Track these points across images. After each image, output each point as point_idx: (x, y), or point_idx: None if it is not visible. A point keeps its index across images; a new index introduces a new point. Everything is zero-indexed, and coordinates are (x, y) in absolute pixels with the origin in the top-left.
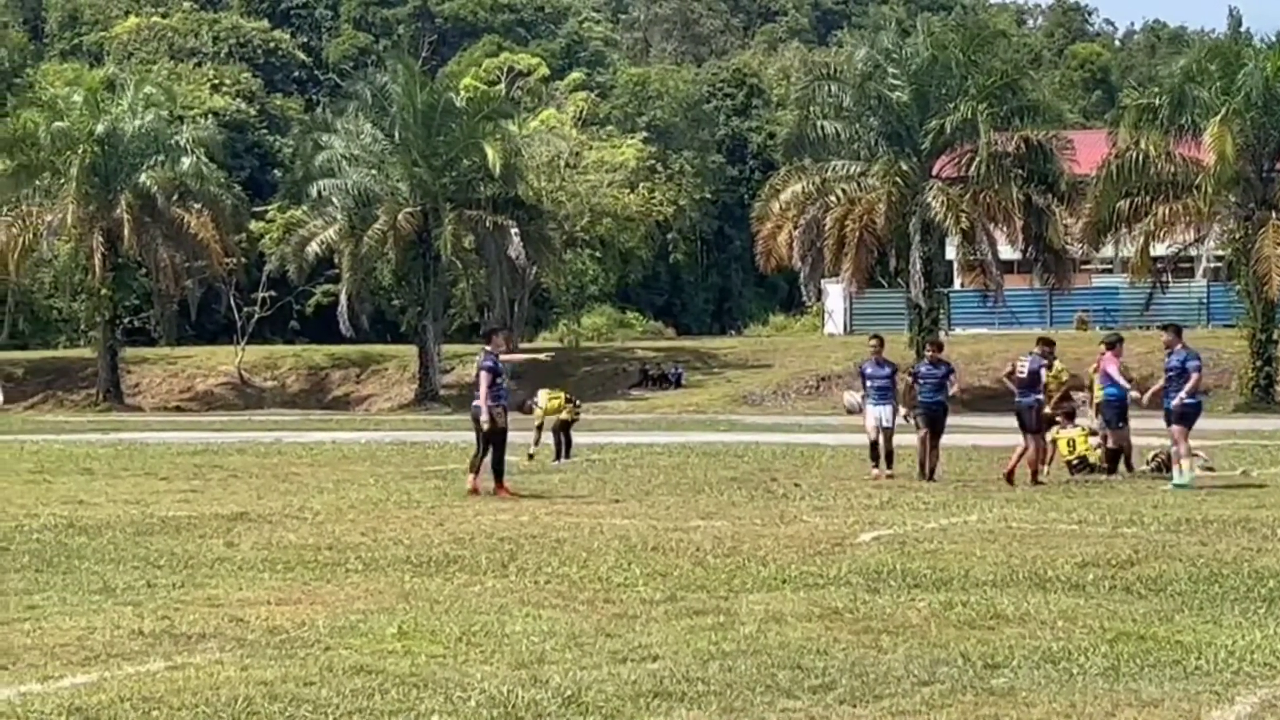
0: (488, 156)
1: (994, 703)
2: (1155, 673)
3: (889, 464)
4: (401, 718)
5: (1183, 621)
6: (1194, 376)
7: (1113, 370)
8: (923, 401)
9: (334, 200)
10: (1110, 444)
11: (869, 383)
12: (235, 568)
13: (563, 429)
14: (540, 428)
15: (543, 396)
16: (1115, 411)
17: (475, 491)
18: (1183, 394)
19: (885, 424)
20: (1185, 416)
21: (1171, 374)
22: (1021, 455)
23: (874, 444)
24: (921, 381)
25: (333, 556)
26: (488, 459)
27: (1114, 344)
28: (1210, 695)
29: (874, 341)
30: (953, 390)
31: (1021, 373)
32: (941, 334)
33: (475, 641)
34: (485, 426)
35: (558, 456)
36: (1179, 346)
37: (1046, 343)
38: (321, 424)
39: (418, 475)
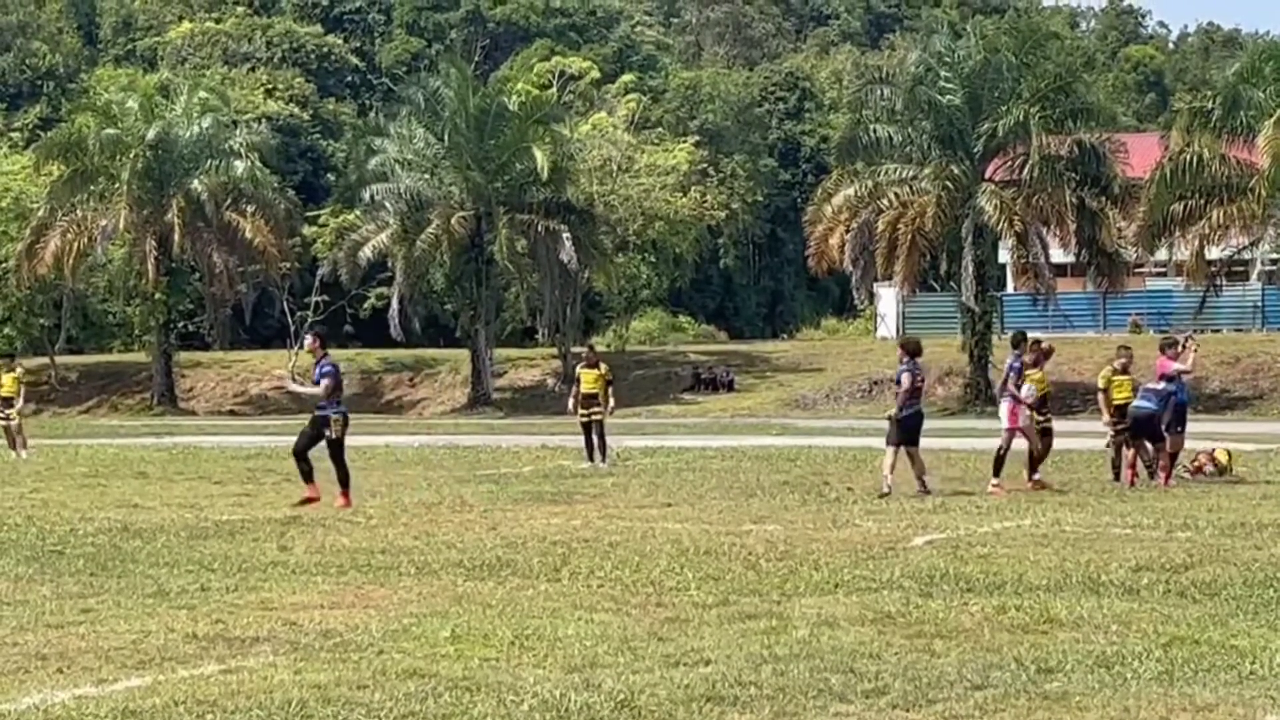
0: (537, 160)
1: (1047, 707)
2: (1209, 677)
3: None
4: None
5: (1237, 626)
6: None
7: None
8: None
9: (387, 204)
10: (1169, 449)
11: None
12: (289, 571)
13: (597, 429)
14: (588, 429)
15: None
16: (1177, 416)
17: (315, 500)
18: None
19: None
20: None
21: None
22: (1171, 460)
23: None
24: (899, 390)
25: (386, 560)
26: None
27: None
28: (1265, 700)
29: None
30: (901, 390)
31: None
32: (994, 337)
33: (528, 645)
34: (333, 435)
35: (589, 457)
36: None
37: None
38: (374, 427)
39: (470, 479)
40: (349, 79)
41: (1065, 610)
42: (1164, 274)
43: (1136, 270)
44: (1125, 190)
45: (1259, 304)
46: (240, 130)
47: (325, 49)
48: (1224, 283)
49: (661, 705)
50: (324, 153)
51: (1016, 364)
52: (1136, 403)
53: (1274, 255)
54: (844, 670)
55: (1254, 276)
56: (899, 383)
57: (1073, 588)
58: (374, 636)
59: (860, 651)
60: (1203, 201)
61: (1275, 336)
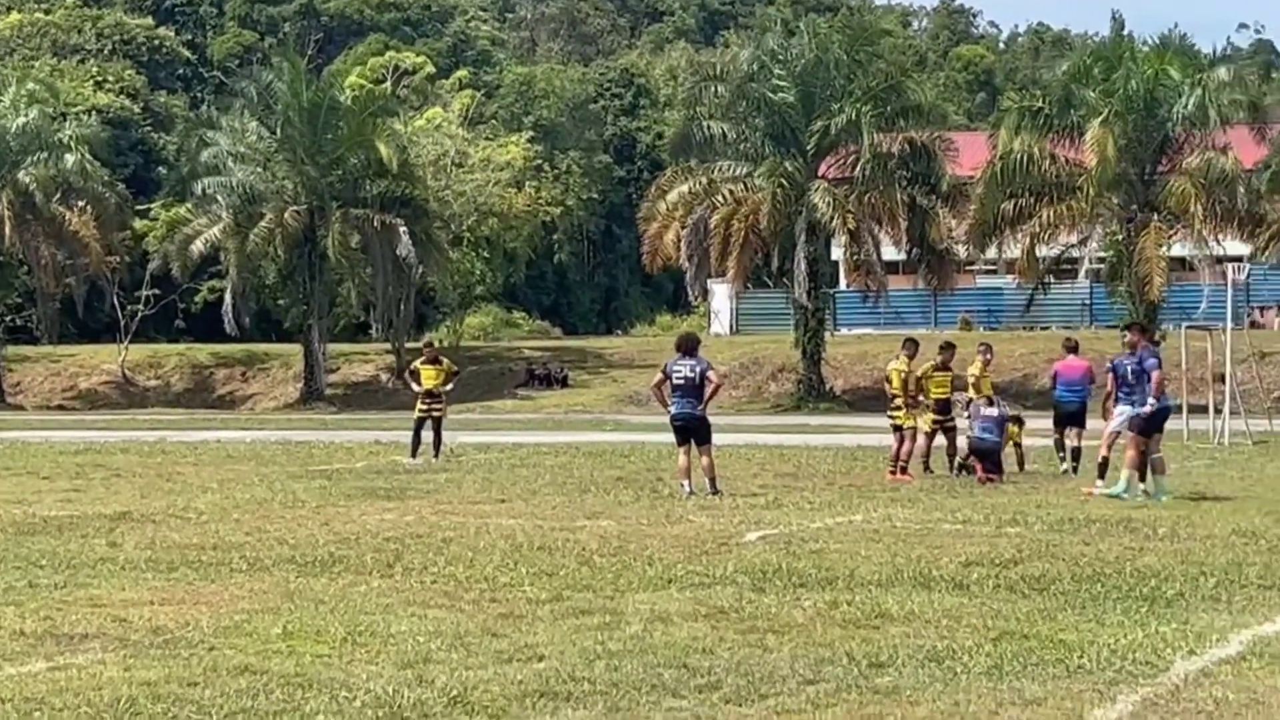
0: (382, 153)
1: (878, 702)
2: (1038, 671)
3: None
4: (286, 718)
5: (1066, 620)
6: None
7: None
8: (674, 411)
9: (219, 198)
10: (1073, 442)
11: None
12: (118, 568)
13: (434, 426)
14: (422, 425)
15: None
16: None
17: None
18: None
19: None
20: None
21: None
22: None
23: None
24: (671, 382)
25: (217, 556)
26: None
27: (1074, 348)
28: (1093, 694)
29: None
30: (706, 396)
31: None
32: (827, 334)
33: (360, 641)
34: None
35: (414, 454)
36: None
37: (912, 343)
38: (206, 423)
39: (303, 475)
40: (180, 72)
41: (896, 605)
42: (994, 272)
43: (967, 268)
44: (955, 189)
45: (1087, 301)
46: (70, 123)
47: (156, 41)
48: (1053, 280)
49: (495, 701)
50: (155, 146)
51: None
52: (1065, 397)
53: (1101, 253)
54: (677, 665)
55: (1082, 274)
56: (706, 379)
57: (904, 583)
58: (205, 633)
59: (693, 647)
60: (1032, 200)
61: (1103, 334)
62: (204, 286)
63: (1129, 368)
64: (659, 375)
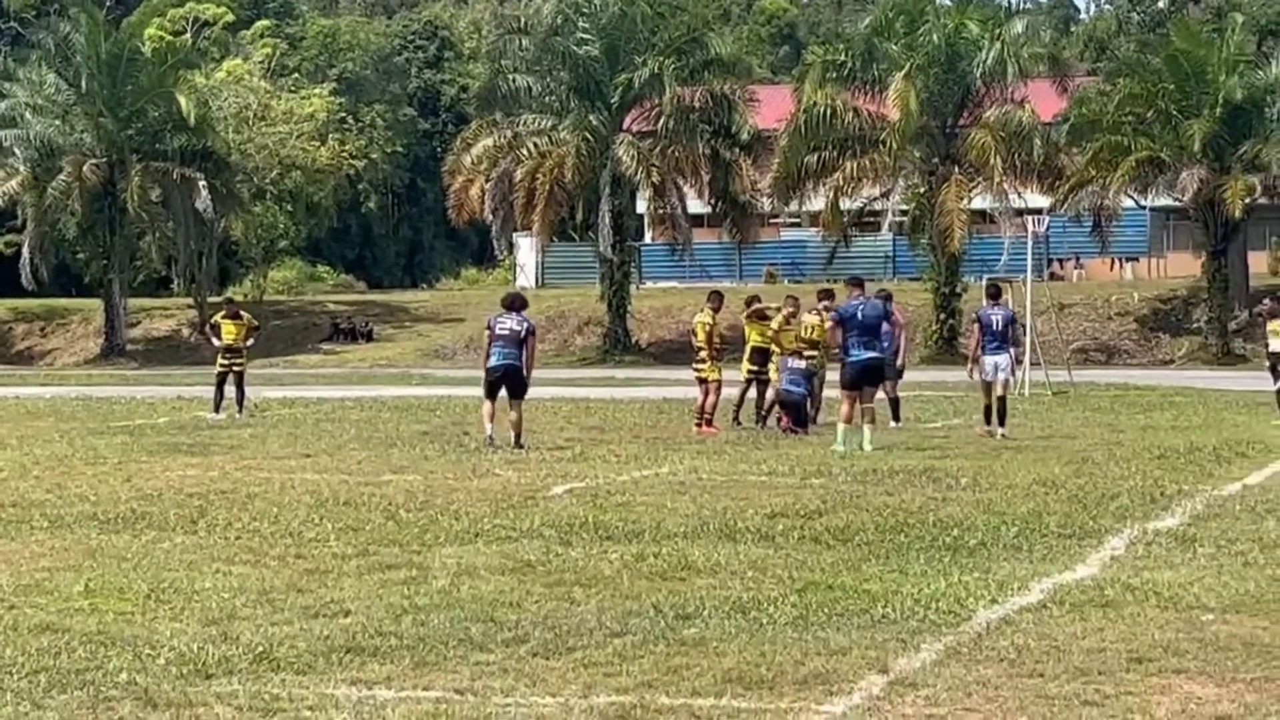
0: (181, 106)
1: (685, 653)
2: (843, 621)
3: (1001, 421)
4: (89, 676)
5: (870, 570)
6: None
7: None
8: (494, 363)
9: (16, 151)
10: (889, 394)
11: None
12: None
13: (236, 380)
14: (224, 380)
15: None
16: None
17: None
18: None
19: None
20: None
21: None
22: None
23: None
24: (494, 333)
25: (17, 514)
26: None
27: (889, 298)
28: (897, 643)
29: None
30: (527, 355)
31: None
32: (632, 287)
33: (164, 598)
34: None
35: (216, 409)
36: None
37: (717, 295)
38: (4, 379)
39: (105, 431)
40: None
41: (702, 557)
42: (798, 224)
43: (772, 221)
44: (758, 141)
45: (890, 254)
46: None
47: None
48: (856, 233)
49: (301, 657)
50: None
51: (1010, 314)
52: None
53: (904, 206)
54: (484, 619)
55: (885, 227)
56: (531, 335)
57: (710, 534)
58: (5, 591)
59: (500, 600)
60: (836, 153)
61: (906, 286)
62: (1, 240)
63: (995, 318)
64: (487, 332)
